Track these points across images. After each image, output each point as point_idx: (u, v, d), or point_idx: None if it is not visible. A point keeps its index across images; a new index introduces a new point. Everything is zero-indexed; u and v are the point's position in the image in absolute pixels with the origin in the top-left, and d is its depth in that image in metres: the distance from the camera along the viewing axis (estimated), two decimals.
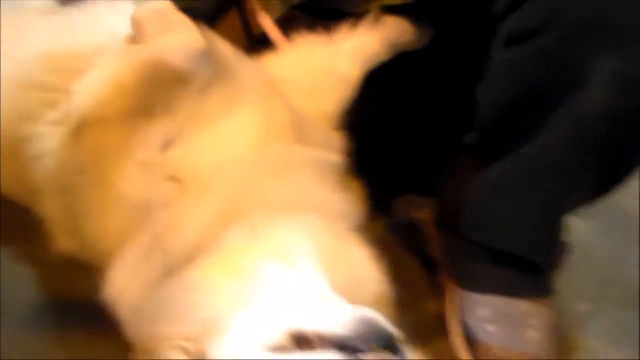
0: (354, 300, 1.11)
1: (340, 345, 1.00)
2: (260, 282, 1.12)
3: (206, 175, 1.24)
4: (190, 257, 1.17)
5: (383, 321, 1.03)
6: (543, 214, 1.32)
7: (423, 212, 1.66)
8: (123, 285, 1.23)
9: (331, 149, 1.39)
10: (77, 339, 1.32)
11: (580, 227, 1.69)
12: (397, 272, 1.48)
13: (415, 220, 1.65)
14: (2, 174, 1.45)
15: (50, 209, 1.37)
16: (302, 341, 1.03)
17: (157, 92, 1.25)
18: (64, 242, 1.37)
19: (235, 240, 1.17)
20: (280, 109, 1.34)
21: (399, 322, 1.26)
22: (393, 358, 1.00)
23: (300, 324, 1.04)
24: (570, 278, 1.55)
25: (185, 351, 1.11)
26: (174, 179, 1.24)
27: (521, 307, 1.43)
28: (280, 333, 1.04)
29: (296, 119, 1.36)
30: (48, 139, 1.34)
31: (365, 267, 1.26)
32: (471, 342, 1.44)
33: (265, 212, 1.19)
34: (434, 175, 1.56)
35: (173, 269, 1.18)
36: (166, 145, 1.26)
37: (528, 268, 1.41)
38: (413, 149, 1.61)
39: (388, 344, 1.00)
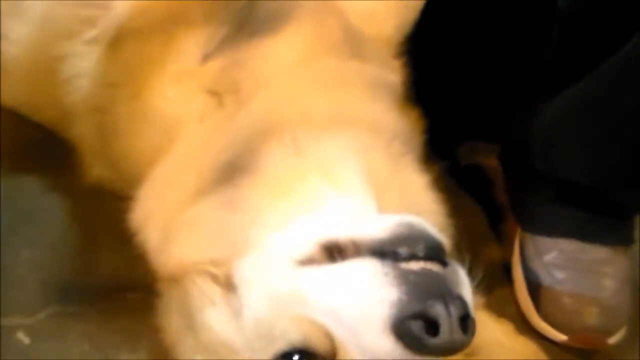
0: None
1: (377, 250, 0.88)
2: (298, 202, 1.01)
3: (247, 88, 1.14)
4: (226, 176, 1.07)
5: (429, 227, 0.90)
6: (625, 139, 1.16)
7: (489, 158, 1.52)
8: (151, 207, 1.14)
9: (389, 70, 1.28)
10: (104, 267, 1.24)
11: None
12: (456, 216, 1.38)
13: (480, 165, 1.51)
14: (36, 97, 1.39)
15: (83, 132, 1.30)
16: (334, 251, 0.91)
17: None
18: (95, 169, 1.30)
19: (275, 157, 1.06)
20: (335, 24, 1.22)
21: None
22: (439, 269, 0.87)
23: (332, 234, 0.92)
24: None
25: (213, 277, 1.02)
26: (212, 92, 1.14)
27: (596, 253, 1.28)
28: (310, 245, 0.93)
29: (353, 36, 1.24)
30: (84, 59, 1.26)
31: (420, 194, 1.13)
32: (535, 288, 1.30)
33: (310, 128, 1.08)
34: (499, 118, 1.42)
35: (206, 188, 1.08)
36: (206, 57, 1.18)
37: (606, 211, 1.26)
38: (477, 82, 1.47)
39: (433, 253, 0.87)
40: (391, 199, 1.05)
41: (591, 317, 1.24)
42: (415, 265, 0.86)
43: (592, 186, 1.22)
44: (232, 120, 1.12)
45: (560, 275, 1.26)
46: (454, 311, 0.82)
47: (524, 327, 1.29)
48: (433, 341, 0.81)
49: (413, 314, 0.82)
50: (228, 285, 1.00)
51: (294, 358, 0.92)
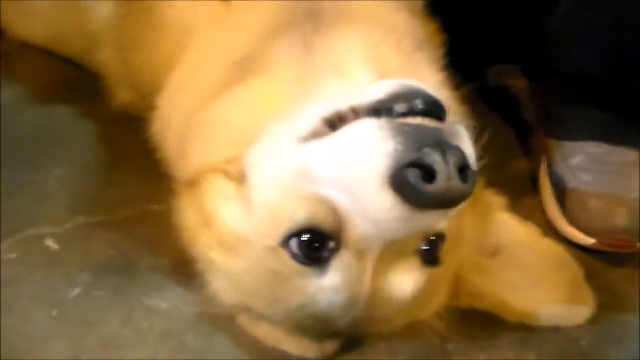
0: None
1: (373, 110, 0.87)
2: (307, 94, 1.00)
3: None
4: (237, 76, 1.08)
5: (428, 87, 0.89)
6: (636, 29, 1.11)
7: (516, 80, 1.49)
8: (168, 115, 1.16)
9: None
10: (130, 183, 1.28)
11: None
12: (483, 132, 1.36)
13: (508, 86, 1.48)
14: (64, 29, 1.44)
15: (107, 57, 1.34)
16: (336, 121, 0.90)
17: None
18: (119, 93, 1.33)
19: (285, 54, 1.06)
20: None
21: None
22: (436, 124, 0.85)
23: (332, 107, 0.92)
24: None
25: (227, 174, 1.02)
26: None
27: (623, 156, 1.24)
28: (313, 120, 0.92)
29: None
30: None
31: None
32: (561, 192, 1.26)
33: (319, 25, 1.08)
34: (522, 39, 1.39)
35: (218, 90, 1.09)
36: None
37: (632, 111, 1.22)
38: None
39: (430, 109, 0.86)
40: None
41: (620, 217, 1.20)
42: (411, 120, 0.85)
43: (611, 78, 1.18)
44: (241, 21, 1.13)
45: (586, 177, 1.23)
46: (452, 159, 0.81)
47: (554, 235, 1.25)
48: (430, 187, 0.80)
49: (410, 161, 0.81)
50: (241, 179, 1.01)
51: (302, 237, 0.92)
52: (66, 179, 1.28)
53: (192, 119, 1.09)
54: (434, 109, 0.87)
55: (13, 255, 1.15)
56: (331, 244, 0.91)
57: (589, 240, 1.22)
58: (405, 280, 0.94)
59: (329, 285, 0.92)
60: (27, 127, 1.39)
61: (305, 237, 0.92)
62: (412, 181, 0.81)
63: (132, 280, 1.14)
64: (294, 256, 0.93)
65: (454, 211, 0.88)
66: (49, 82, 1.49)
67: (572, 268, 1.13)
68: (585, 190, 1.23)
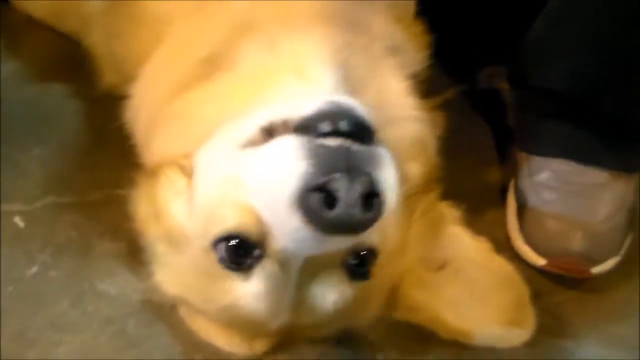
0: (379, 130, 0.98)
1: (300, 127, 0.87)
2: (266, 96, 1.01)
3: None
4: (204, 71, 1.10)
5: (359, 108, 0.88)
6: (608, 42, 1.07)
7: (506, 83, 1.46)
8: (139, 104, 1.19)
9: None
10: (104, 167, 1.31)
11: None
12: (462, 136, 1.35)
13: (497, 89, 1.45)
14: (60, 6, 1.47)
15: (97, 39, 1.36)
16: (270, 132, 0.91)
17: None
18: (107, 76, 1.36)
19: (251, 54, 1.07)
20: None
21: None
22: (359, 147, 0.85)
23: (270, 116, 0.93)
24: None
25: (182, 169, 1.05)
26: None
27: (593, 177, 1.20)
28: (252, 128, 0.93)
29: None
30: None
31: (398, 98, 1.11)
32: (521, 208, 1.24)
33: (287, 25, 1.08)
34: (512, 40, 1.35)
35: (186, 84, 1.11)
36: None
37: (607, 130, 1.18)
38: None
39: (356, 131, 0.86)
40: (366, 100, 1.03)
41: (574, 241, 1.17)
42: (332, 141, 0.85)
43: (580, 97, 1.15)
44: (213, 16, 1.14)
45: (548, 196, 1.20)
46: (358, 187, 0.81)
47: (509, 252, 1.23)
48: (329, 213, 0.81)
49: (316, 185, 0.82)
50: (191, 175, 1.04)
51: (230, 243, 0.94)
52: (45, 159, 1.32)
53: (159, 110, 1.12)
54: (359, 131, 0.86)
55: None
56: (256, 252, 0.93)
57: (540, 261, 1.20)
58: (328, 294, 0.95)
59: (251, 292, 0.95)
60: (21, 104, 1.43)
61: (232, 242, 0.94)
62: (312, 205, 0.81)
63: (88, 263, 1.18)
64: (220, 260, 0.95)
65: (363, 236, 0.88)
66: (48, 58, 1.52)
67: (519, 289, 1.11)
68: (544, 210, 1.20)
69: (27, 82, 1.47)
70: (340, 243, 0.88)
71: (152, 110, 1.14)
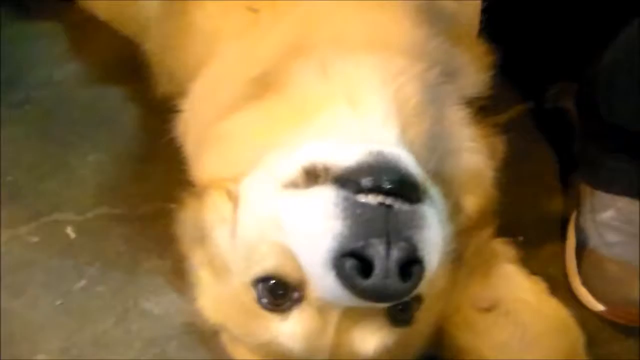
0: (433, 159, 0.94)
1: (340, 178, 0.84)
2: (315, 125, 0.98)
3: (284, 5, 1.11)
4: (255, 93, 1.07)
5: (405, 160, 0.84)
6: None
7: None
8: (189, 121, 1.18)
9: None
10: (158, 178, 1.31)
11: None
12: (524, 161, 1.29)
13: (565, 109, 1.37)
14: (122, 11, 1.47)
15: (153, 47, 1.35)
16: (312, 175, 0.88)
17: None
18: (162, 85, 1.35)
19: (301, 78, 1.03)
20: None
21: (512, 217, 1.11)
22: (400, 206, 0.81)
23: (315, 158, 0.89)
24: None
25: (229, 194, 1.03)
26: (250, 8, 1.13)
27: None
28: (295, 168, 0.90)
29: None
30: None
31: (453, 128, 1.06)
32: (581, 248, 1.17)
33: (340, 49, 1.03)
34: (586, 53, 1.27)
35: (236, 104, 1.08)
36: None
37: None
38: (561, 18, 1.33)
39: (399, 188, 0.81)
40: (421, 129, 0.99)
41: (637, 289, 1.10)
42: (372, 199, 0.81)
43: None
44: (266, 36, 1.11)
45: (611, 237, 1.13)
46: (396, 254, 0.77)
47: (566, 291, 1.18)
48: (364, 282, 0.77)
49: (351, 250, 0.78)
50: (236, 203, 1.02)
51: (269, 283, 0.92)
52: (99, 166, 1.34)
53: (208, 129, 1.10)
54: (403, 188, 0.82)
55: (35, 239, 1.23)
56: (295, 295, 0.91)
57: (598, 307, 1.14)
58: (369, 338, 0.92)
59: (288, 333, 0.93)
60: (78, 107, 1.44)
61: (271, 282, 0.92)
62: (347, 271, 0.78)
63: (134, 280, 1.18)
64: (259, 299, 0.94)
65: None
66: (110, 60, 1.53)
67: (573, 335, 1.05)
68: (605, 253, 1.13)
69: (86, 84, 1.48)
70: (377, 305, 0.85)
71: (202, 128, 1.12)
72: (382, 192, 0.81)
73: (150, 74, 1.38)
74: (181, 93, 1.21)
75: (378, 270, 0.77)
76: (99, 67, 1.52)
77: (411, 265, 0.78)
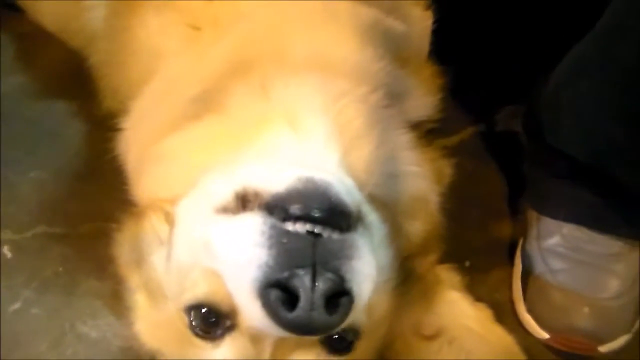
0: (375, 184, 0.92)
1: (269, 205, 0.81)
2: (253, 147, 0.96)
3: (226, 22, 1.09)
4: (194, 112, 1.04)
5: (338, 186, 0.81)
6: (622, 106, 0.97)
7: None
8: (129, 139, 1.15)
9: (401, 18, 1.17)
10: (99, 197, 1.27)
11: None
12: (473, 184, 1.27)
13: (516, 132, 1.36)
14: (68, 23, 1.42)
15: (98, 61, 1.32)
16: (243, 200, 0.85)
17: None
18: (106, 101, 1.32)
19: (241, 97, 1.00)
20: None
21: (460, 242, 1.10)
22: (330, 235, 0.78)
23: (247, 183, 0.86)
24: None
25: (166, 216, 1.00)
26: (192, 25, 1.11)
27: (607, 246, 1.11)
28: (229, 193, 0.87)
29: None
30: None
31: (397, 152, 1.04)
32: (526, 275, 1.15)
33: (282, 69, 1.01)
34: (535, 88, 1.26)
35: (176, 122, 1.05)
36: None
37: (625, 199, 1.08)
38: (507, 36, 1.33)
39: (329, 217, 0.78)
40: (363, 153, 0.97)
41: (581, 317, 1.08)
42: (300, 227, 0.78)
43: (590, 162, 1.06)
44: (206, 53, 1.09)
45: (556, 264, 1.11)
46: (322, 285, 0.74)
47: (512, 317, 1.16)
48: (286, 315, 0.75)
49: (276, 280, 0.76)
50: (172, 226, 0.99)
51: (201, 310, 0.89)
52: (39, 184, 1.30)
53: (148, 148, 1.07)
54: (333, 216, 0.79)
55: None
56: (227, 323, 0.88)
57: (543, 335, 1.12)
58: None
59: None
60: (22, 121, 1.40)
61: (203, 310, 0.89)
62: (271, 302, 0.76)
63: (71, 303, 1.15)
64: (190, 326, 0.91)
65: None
66: (55, 73, 1.49)
67: None
68: (550, 280, 1.11)
69: (30, 98, 1.44)
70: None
71: (142, 147, 1.09)
72: (310, 220, 0.79)
73: (96, 89, 1.35)
74: (124, 110, 1.18)
75: (303, 302, 0.74)
76: (46, 80, 1.48)
77: (340, 296, 0.76)
